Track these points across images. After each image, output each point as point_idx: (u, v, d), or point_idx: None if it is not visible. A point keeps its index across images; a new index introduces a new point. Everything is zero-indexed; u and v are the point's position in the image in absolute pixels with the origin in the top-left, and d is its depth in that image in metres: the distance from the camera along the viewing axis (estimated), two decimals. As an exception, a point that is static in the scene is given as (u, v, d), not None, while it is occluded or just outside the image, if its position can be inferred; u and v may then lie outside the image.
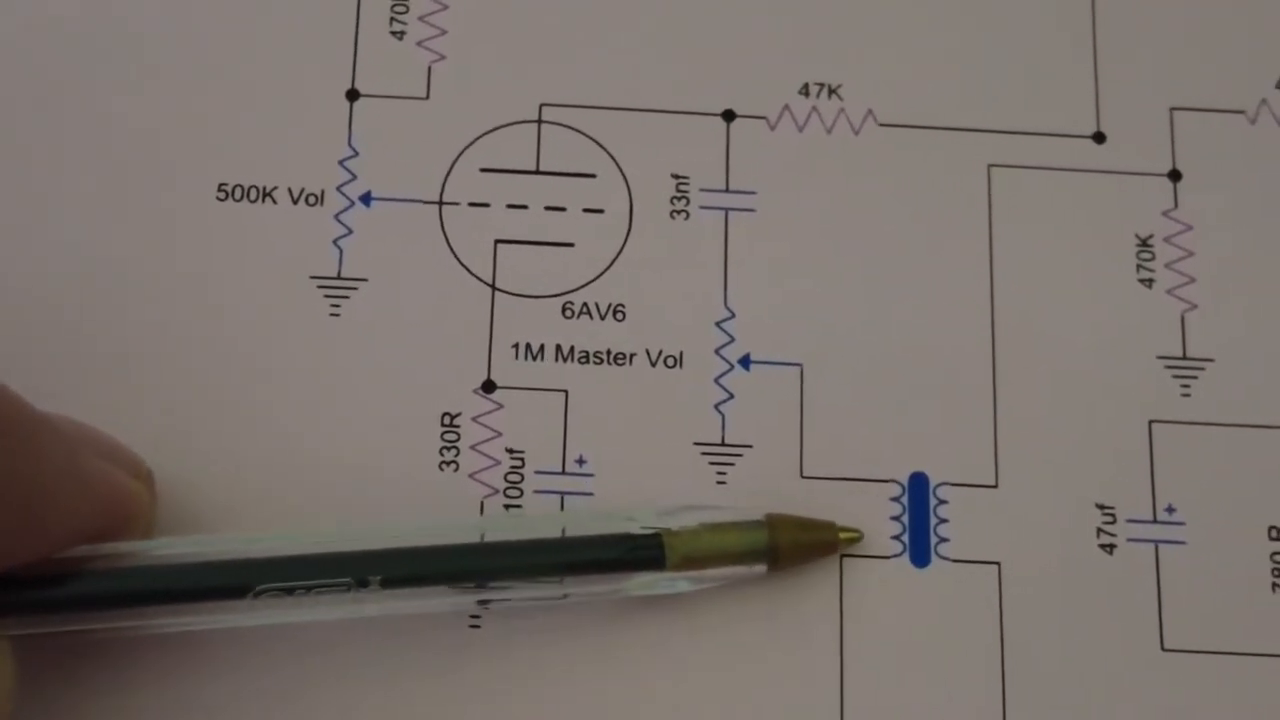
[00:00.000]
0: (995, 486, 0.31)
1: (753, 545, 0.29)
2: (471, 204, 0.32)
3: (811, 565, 0.30)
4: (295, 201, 0.32)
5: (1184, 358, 0.32)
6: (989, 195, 0.33)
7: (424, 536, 0.28)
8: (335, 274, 0.32)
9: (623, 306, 0.32)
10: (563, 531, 0.29)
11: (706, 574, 0.29)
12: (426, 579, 0.28)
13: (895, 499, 0.31)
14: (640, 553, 0.29)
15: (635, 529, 0.29)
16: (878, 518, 0.31)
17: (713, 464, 0.31)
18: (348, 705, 0.29)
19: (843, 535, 0.30)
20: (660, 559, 0.29)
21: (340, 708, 0.29)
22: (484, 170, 0.32)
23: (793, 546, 0.30)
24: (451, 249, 0.32)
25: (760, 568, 0.30)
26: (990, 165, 0.33)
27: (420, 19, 0.33)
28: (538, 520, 0.30)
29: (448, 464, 0.31)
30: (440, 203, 0.32)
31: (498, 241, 0.32)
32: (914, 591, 0.31)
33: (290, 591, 0.27)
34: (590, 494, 0.31)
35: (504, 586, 0.29)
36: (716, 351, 0.32)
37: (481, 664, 0.30)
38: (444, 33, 0.33)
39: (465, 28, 0.33)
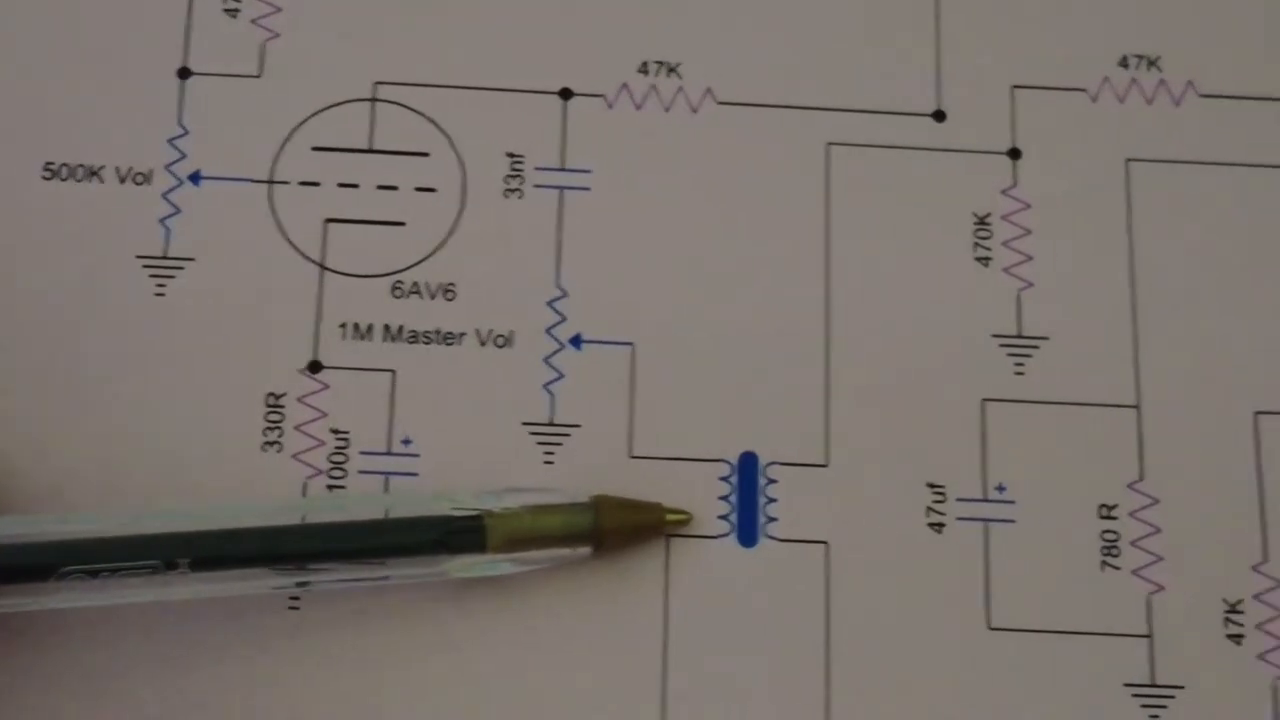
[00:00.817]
0: (826, 466, 0.31)
1: (577, 527, 0.29)
2: (302, 183, 0.32)
3: (637, 546, 0.30)
4: (123, 180, 0.32)
5: (1019, 336, 0.32)
6: (827, 173, 0.33)
7: (241, 518, 0.28)
8: (161, 253, 0.31)
9: (453, 286, 0.32)
10: (385, 513, 0.29)
11: (530, 556, 0.29)
12: (236, 561, 0.28)
13: (724, 479, 0.31)
14: (460, 535, 0.29)
15: (456, 511, 0.28)
16: (706, 498, 0.31)
17: (540, 444, 0.31)
18: (166, 687, 0.29)
19: (670, 517, 0.30)
20: (481, 541, 0.29)
21: (158, 690, 0.29)
22: (316, 149, 0.32)
23: (618, 529, 0.30)
24: (281, 228, 0.32)
25: (585, 550, 0.29)
26: (829, 143, 0.33)
27: (255, -4, 0.33)
28: (358, 501, 0.29)
29: (271, 444, 0.30)
30: (270, 181, 0.32)
31: (328, 221, 0.32)
32: (740, 572, 0.30)
33: (95, 574, 0.27)
34: (415, 474, 0.31)
35: (323, 569, 0.28)
36: (547, 331, 0.31)
37: (303, 646, 0.29)
38: (278, 10, 0.33)
39: (300, 5, 0.33)
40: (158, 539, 0.27)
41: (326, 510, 0.29)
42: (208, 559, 0.27)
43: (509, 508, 0.29)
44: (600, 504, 0.29)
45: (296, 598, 0.30)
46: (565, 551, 0.29)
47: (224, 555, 0.28)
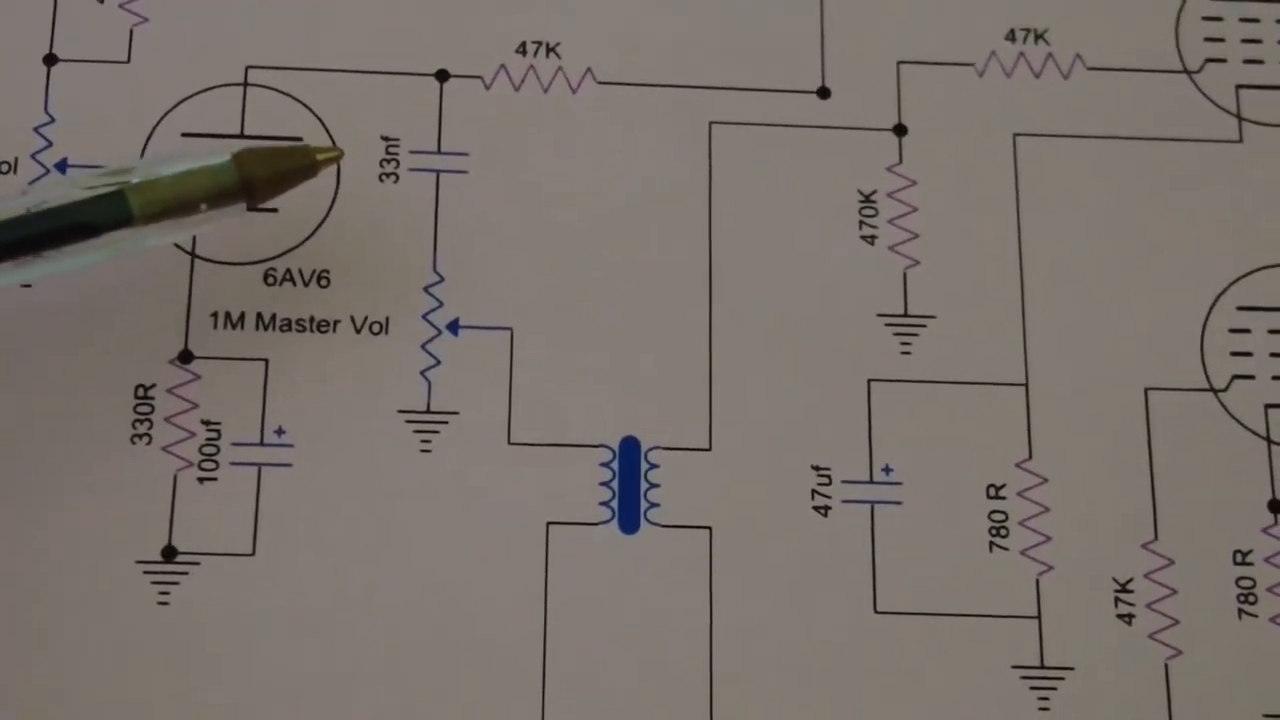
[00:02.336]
0: (709, 450, 0.30)
1: (222, 184, 0.28)
2: (172, 170, 0.31)
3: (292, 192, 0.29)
4: (-13, 170, 0.31)
5: (905, 315, 0.31)
6: (710, 152, 0.32)
7: None
8: (27, 244, 0.30)
9: (327, 273, 0.31)
10: (27, 211, 0.28)
11: (182, 222, 0.28)
12: None
13: (606, 464, 0.30)
14: (103, 209, 0.28)
15: (93, 190, 0.28)
16: (587, 484, 0.30)
17: (417, 431, 0.30)
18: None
19: (319, 156, 0.29)
20: (126, 212, 0.28)
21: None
22: (186, 135, 0.32)
23: (269, 177, 0.29)
24: (150, 216, 0.31)
25: (238, 206, 0.28)
26: (712, 122, 0.32)
27: (125, -20, 0.32)
28: None
29: (140, 437, 0.30)
30: (139, 169, 0.31)
31: (198, 207, 0.31)
32: (622, 558, 0.30)
33: None
34: (289, 465, 0.30)
35: None
36: (424, 317, 0.31)
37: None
38: (147, -6, 0.32)
39: (170, -11, 0.32)
40: None
41: None
42: None
43: (148, 178, 0.28)
44: (241, 157, 0.28)
45: (166, 593, 0.29)
46: (219, 212, 0.28)
47: None
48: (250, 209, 0.29)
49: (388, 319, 0.31)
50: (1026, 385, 0.31)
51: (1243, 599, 0.30)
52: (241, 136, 0.32)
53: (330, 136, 0.32)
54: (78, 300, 0.30)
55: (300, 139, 0.31)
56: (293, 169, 0.29)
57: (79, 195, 0.28)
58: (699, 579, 0.30)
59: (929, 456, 0.31)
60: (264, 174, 0.29)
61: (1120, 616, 0.30)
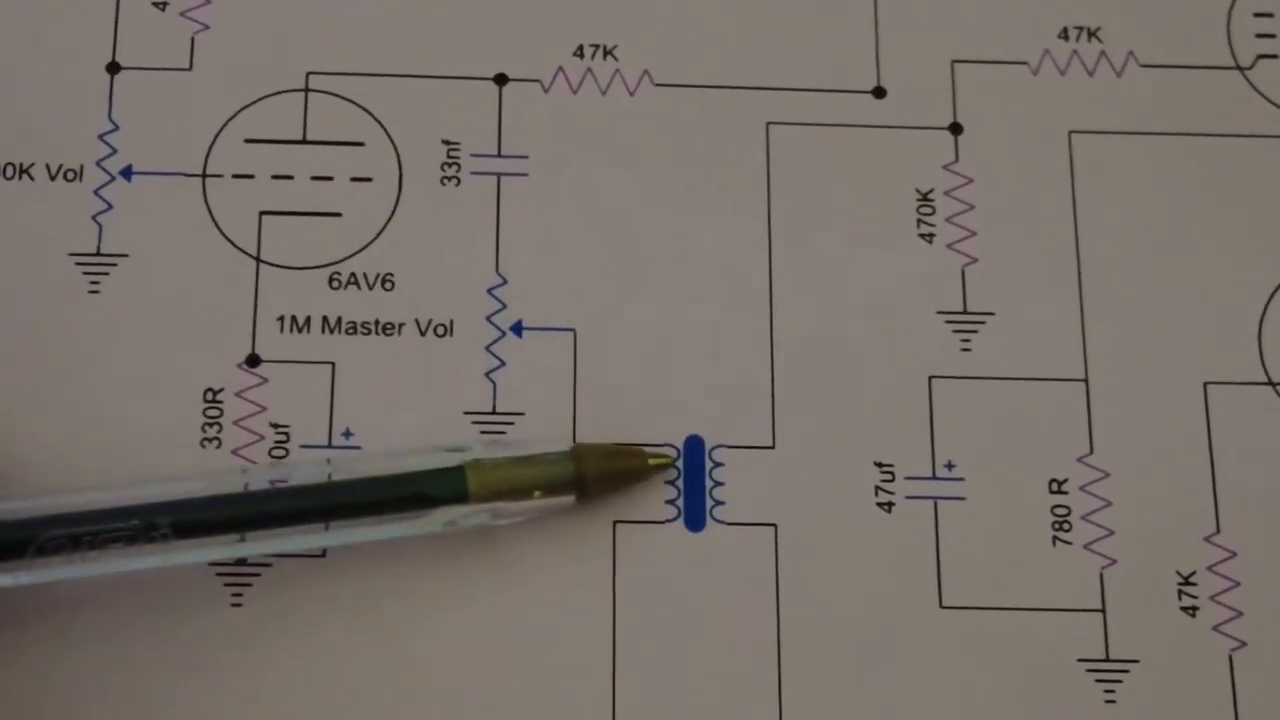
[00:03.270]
0: (772, 448, 0.31)
1: (558, 476, 0.29)
2: (236, 176, 0.32)
3: (624, 492, 0.29)
4: (53, 177, 0.31)
5: (964, 312, 0.32)
6: (767, 153, 0.32)
7: (220, 484, 0.28)
8: (95, 250, 0.31)
9: (391, 276, 0.31)
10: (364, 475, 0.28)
11: (512, 507, 0.29)
12: (217, 526, 0.27)
13: (671, 463, 0.30)
14: (442, 483, 0.28)
15: (437, 462, 0.28)
16: (652, 483, 0.30)
17: (484, 433, 0.30)
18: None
19: (652, 461, 0.30)
20: (463, 490, 0.28)
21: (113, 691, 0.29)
22: (249, 141, 0.32)
23: (601, 475, 0.29)
24: (215, 222, 0.31)
25: (568, 498, 0.29)
26: (769, 123, 0.32)
27: (184, -11, 0.33)
28: (338, 462, 0.29)
29: (210, 440, 0.30)
30: (204, 175, 0.32)
31: (263, 213, 0.31)
32: (689, 556, 0.30)
33: (76, 540, 0.26)
34: (357, 467, 0.30)
35: (302, 531, 0.28)
36: (488, 319, 0.31)
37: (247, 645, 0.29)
38: (208, 2, 0.33)
39: (230, -3, 0.33)
40: (137, 504, 0.27)
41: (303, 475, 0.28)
42: (188, 522, 0.27)
43: (489, 457, 0.28)
44: (580, 452, 0.29)
45: (239, 595, 0.29)
46: (549, 501, 0.29)
47: (204, 519, 0.27)
48: (579, 503, 0.29)
49: (452, 321, 0.31)
50: (1086, 380, 0.31)
51: (1306, 590, 0.30)
52: (304, 142, 0.32)
53: (392, 141, 0.32)
54: (147, 308, 0.30)
55: (362, 144, 0.32)
56: (626, 470, 0.30)
57: (414, 465, 0.28)
58: (765, 576, 0.30)
59: (991, 452, 0.31)
60: (597, 472, 0.29)
61: (1184, 609, 0.30)
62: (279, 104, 0.32)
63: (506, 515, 0.29)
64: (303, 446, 0.30)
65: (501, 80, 0.32)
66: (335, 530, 0.28)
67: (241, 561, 0.29)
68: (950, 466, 0.31)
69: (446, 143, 0.32)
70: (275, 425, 0.30)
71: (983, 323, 0.31)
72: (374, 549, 0.29)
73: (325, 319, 0.31)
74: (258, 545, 0.28)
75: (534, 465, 0.29)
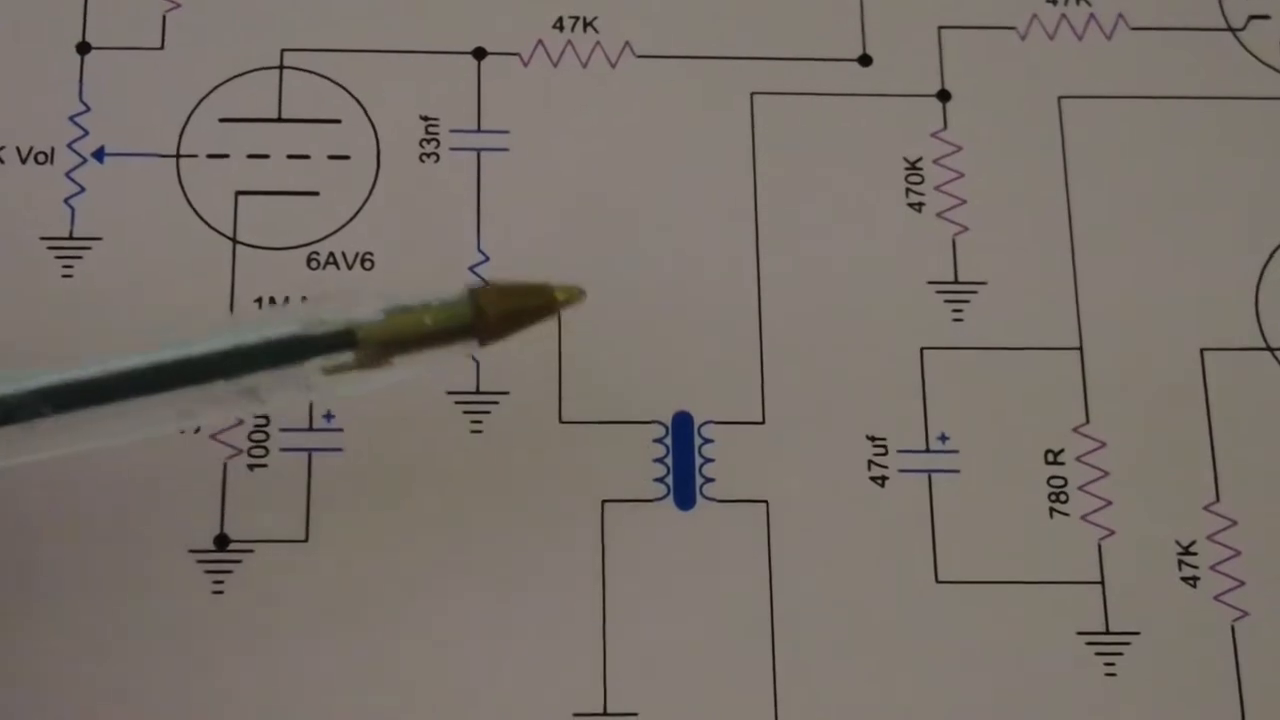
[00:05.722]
0: (762, 423, 0.30)
1: (456, 319, 0.26)
2: (210, 155, 0.31)
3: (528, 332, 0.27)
4: (24, 160, 0.31)
5: (955, 282, 0.31)
6: (752, 124, 0.32)
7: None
8: (68, 234, 0.30)
9: (371, 255, 0.31)
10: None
11: (411, 359, 0.26)
12: (94, 394, 0.25)
13: (659, 440, 0.30)
14: (327, 337, 0.26)
15: (320, 321, 0.26)
16: (641, 461, 0.30)
17: (467, 413, 0.30)
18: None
19: (560, 295, 0.27)
20: (351, 340, 0.26)
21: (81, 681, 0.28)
22: (223, 120, 0.31)
23: (503, 316, 0.27)
24: (190, 203, 0.31)
25: (470, 344, 0.27)
26: (753, 93, 0.32)
27: (155, -34, 0.32)
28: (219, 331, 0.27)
29: (187, 429, 0.29)
30: (178, 156, 0.31)
31: (238, 193, 0.31)
32: (679, 535, 0.29)
33: None
34: (339, 449, 0.29)
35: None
36: (470, 297, 0.30)
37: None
38: (179, -21, 0.32)
39: (201, -27, 0.32)
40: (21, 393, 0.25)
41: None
42: (59, 391, 0.25)
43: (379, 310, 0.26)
44: (479, 293, 0.26)
45: (220, 581, 0.29)
46: (448, 350, 0.26)
47: (79, 387, 0.25)
48: (481, 346, 0.27)
49: (433, 300, 0.30)
50: (1081, 349, 0.31)
51: (1308, 558, 0.30)
52: (279, 120, 0.31)
53: (369, 118, 0.31)
54: (122, 291, 0.30)
55: (339, 121, 0.31)
56: (528, 307, 0.27)
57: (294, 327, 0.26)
58: (757, 553, 0.29)
59: (985, 424, 0.30)
60: (500, 312, 0.27)
61: (1185, 579, 0.30)
62: (253, 82, 0.31)
63: (401, 369, 0.26)
64: (283, 430, 0.30)
65: (480, 54, 0.32)
66: (224, 398, 0.26)
67: (222, 544, 0.28)
68: (944, 439, 0.30)
69: (425, 119, 0.31)
70: (254, 409, 0.29)
71: (974, 292, 0.31)
72: (356, 532, 0.28)
73: (304, 299, 0.30)
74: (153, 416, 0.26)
75: (427, 312, 0.26)
